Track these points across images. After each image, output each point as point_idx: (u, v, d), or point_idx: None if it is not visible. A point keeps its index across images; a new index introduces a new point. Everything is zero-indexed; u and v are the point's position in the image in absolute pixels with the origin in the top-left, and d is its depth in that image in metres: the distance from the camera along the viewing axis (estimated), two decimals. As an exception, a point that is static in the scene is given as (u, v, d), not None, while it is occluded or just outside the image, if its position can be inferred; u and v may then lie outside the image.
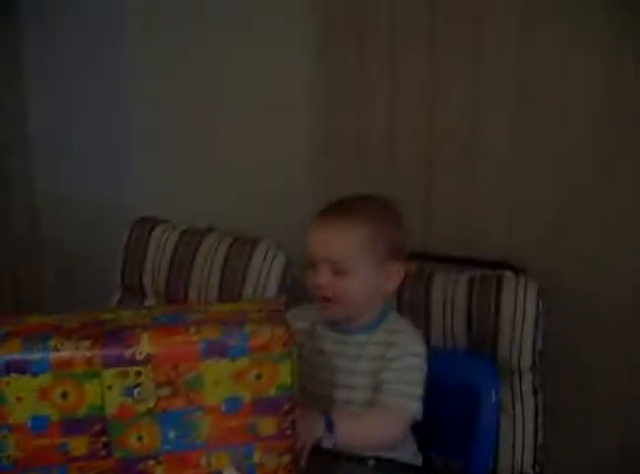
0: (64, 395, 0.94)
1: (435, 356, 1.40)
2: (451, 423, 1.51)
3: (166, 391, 0.96)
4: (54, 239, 2.37)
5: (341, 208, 1.35)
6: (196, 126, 2.21)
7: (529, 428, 1.61)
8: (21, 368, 0.92)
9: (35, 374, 0.92)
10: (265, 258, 1.73)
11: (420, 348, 1.34)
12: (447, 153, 1.91)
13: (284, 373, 0.99)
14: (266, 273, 1.70)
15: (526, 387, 1.63)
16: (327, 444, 1.17)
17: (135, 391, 0.95)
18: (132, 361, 0.94)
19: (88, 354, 0.93)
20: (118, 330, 0.97)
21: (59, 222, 2.34)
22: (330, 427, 1.18)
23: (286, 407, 1.00)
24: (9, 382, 0.92)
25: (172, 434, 0.98)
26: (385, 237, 1.33)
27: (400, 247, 1.37)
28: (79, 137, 2.35)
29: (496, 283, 1.63)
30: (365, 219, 1.31)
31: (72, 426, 0.95)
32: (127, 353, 0.94)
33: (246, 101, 2.12)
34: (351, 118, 1.99)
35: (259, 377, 0.98)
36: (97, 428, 0.95)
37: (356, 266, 1.29)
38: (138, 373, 0.94)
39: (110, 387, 0.94)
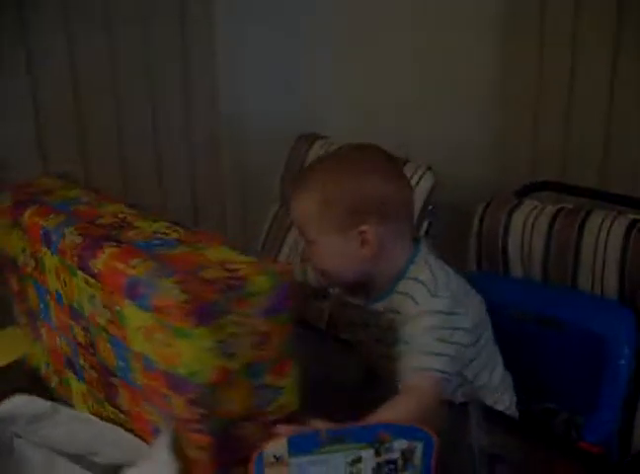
0: (64, 283, 1.02)
1: (562, 298, 1.37)
2: (575, 374, 1.40)
3: (107, 315, 0.94)
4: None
5: (300, 176, 1.26)
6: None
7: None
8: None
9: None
10: (412, 176, 1.63)
11: (431, 304, 1.18)
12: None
13: (188, 355, 0.84)
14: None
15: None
16: None
17: (94, 302, 0.96)
18: (90, 272, 0.95)
19: (74, 251, 0.97)
20: (109, 237, 0.98)
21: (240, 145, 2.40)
22: None
23: (192, 396, 0.86)
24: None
25: (121, 363, 0.96)
26: (343, 195, 1.17)
27: (368, 205, 1.18)
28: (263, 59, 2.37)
29: None
30: (317, 180, 1.19)
31: (75, 312, 1.02)
32: (91, 262, 0.95)
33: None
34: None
35: (168, 346, 0.85)
36: (84, 324, 1.00)
37: (315, 235, 1.19)
38: (95, 286, 0.94)
39: (80, 290, 0.98)
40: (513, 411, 1.35)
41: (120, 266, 0.91)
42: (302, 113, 2.33)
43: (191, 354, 0.84)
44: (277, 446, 0.86)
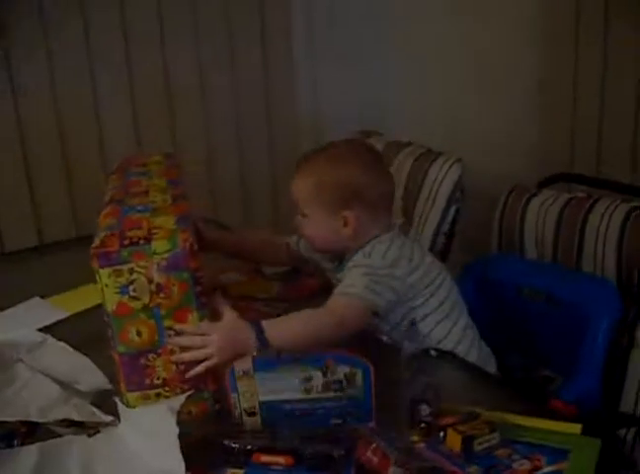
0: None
1: (559, 277, 1.55)
2: (566, 344, 1.57)
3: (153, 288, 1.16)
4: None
5: (304, 157, 1.51)
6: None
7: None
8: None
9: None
10: (441, 168, 1.88)
11: (362, 261, 1.44)
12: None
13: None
14: (439, 182, 1.86)
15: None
16: (261, 346, 1.23)
17: (130, 288, 1.15)
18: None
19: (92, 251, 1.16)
20: (119, 200, 1.34)
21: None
22: (261, 336, 1.24)
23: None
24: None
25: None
26: (334, 183, 1.44)
27: (354, 193, 1.44)
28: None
29: None
30: (315, 166, 1.46)
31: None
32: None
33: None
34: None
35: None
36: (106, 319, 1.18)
37: (308, 210, 1.47)
38: (131, 271, 1.14)
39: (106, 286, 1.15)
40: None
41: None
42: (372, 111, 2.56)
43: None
44: (244, 363, 1.19)
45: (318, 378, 1.19)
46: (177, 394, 1.22)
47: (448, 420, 1.15)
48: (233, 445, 1.15)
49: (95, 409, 1.26)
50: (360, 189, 1.44)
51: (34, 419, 1.21)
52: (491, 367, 1.55)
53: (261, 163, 2.66)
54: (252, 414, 1.22)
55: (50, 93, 2.29)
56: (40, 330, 1.50)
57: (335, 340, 1.29)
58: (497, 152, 2.24)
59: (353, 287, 1.37)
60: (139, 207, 1.30)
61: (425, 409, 1.17)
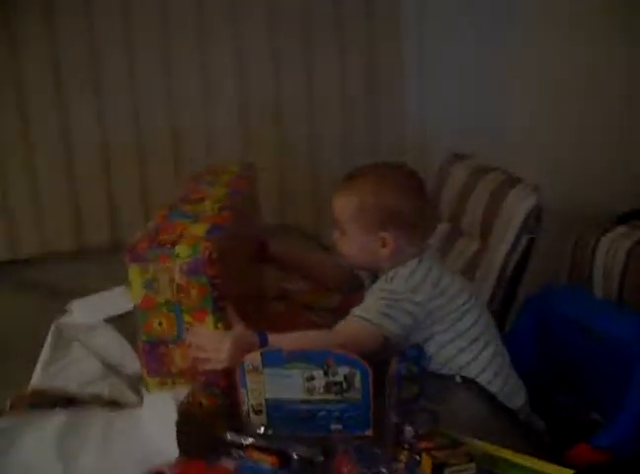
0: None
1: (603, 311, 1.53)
2: (610, 383, 1.54)
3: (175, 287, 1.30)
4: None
5: (348, 175, 1.53)
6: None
7: None
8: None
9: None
10: (517, 196, 1.86)
11: (383, 285, 1.47)
12: None
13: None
14: (512, 211, 1.85)
15: None
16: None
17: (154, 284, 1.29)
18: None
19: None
20: (172, 206, 1.52)
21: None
22: (264, 342, 1.33)
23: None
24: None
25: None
26: (377, 206, 1.47)
27: (396, 216, 1.47)
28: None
29: None
30: (359, 187, 1.49)
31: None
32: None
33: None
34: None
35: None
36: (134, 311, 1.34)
37: (348, 228, 1.50)
38: (156, 269, 1.28)
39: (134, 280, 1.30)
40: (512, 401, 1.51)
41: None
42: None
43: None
44: (253, 358, 1.27)
45: (320, 378, 1.25)
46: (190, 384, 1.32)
47: (427, 444, 1.15)
48: (230, 439, 1.23)
49: (126, 389, 1.38)
50: (401, 213, 1.48)
51: (71, 392, 1.35)
52: (518, 399, 1.52)
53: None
54: (259, 412, 1.29)
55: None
56: (115, 317, 1.67)
57: None
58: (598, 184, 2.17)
59: (365, 311, 1.42)
60: (187, 214, 1.44)
61: (409, 431, 1.19)
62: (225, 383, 1.33)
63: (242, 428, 1.28)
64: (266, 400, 1.28)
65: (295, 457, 1.19)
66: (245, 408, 1.29)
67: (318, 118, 2.57)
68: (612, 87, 2.29)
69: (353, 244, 1.52)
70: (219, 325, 1.32)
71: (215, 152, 2.46)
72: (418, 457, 1.14)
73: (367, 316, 1.41)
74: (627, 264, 1.63)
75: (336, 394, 1.26)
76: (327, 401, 1.26)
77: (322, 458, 1.18)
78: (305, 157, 2.60)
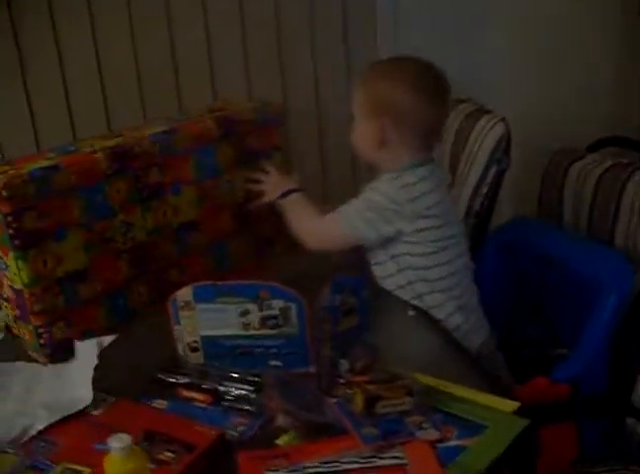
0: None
1: (568, 243, 1.48)
2: (574, 315, 1.48)
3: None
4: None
5: (369, 64, 1.51)
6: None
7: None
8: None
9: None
10: (485, 125, 1.77)
11: (383, 186, 1.42)
12: None
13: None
14: (481, 139, 1.76)
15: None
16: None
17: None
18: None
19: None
20: None
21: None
22: (285, 195, 1.51)
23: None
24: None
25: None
26: (378, 92, 1.43)
27: (393, 107, 1.41)
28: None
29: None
30: (366, 81, 1.47)
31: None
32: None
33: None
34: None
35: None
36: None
37: (355, 114, 1.47)
38: None
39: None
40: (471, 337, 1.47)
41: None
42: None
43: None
44: (184, 294, 1.21)
45: (255, 313, 1.19)
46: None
47: (361, 378, 1.10)
48: (160, 378, 1.18)
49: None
50: (399, 106, 1.42)
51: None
52: (477, 338, 1.46)
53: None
54: (195, 349, 1.24)
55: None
56: None
57: (306, 245, 1.47)
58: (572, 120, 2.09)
59: (348, 210, 1.44)
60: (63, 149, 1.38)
61: (344, 364, 1.14)
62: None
63: (175, 369, 1.22)
64: (201, 337, 1.22)
65: (229, 394, 1.14)
66: (180, 346, 1.24)
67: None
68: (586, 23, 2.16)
69: (357, 130, 1.47)
70: (20, 262, 1.25)
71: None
72: (350, 392, 1.08)
73: (348, 217, 1.43)
74: (596, 192, 1.55)
75: (272, 328, 1.20)
76: (264, 336, 1.21)
77: (255, 395, 1.12)
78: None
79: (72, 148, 1.36)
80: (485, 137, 1.74)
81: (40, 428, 1.09)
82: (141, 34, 2.18)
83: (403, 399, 1.06)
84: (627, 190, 1.49)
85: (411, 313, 1.37)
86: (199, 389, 1.16)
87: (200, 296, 1.20)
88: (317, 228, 1.48)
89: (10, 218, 1.22)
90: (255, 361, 1.22)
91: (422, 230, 1.40)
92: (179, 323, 1.22)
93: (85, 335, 1.30)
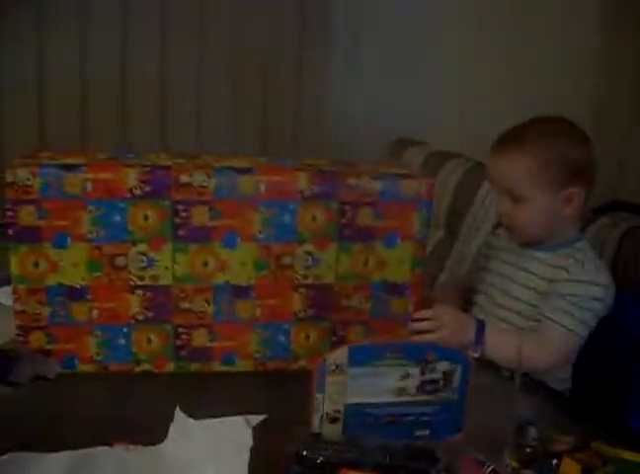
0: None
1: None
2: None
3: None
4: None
5: (511, 135, 1.38)
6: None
7: None
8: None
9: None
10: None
11: (593, 276, 1.34)
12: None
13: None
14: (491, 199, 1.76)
15: None
16: (474, 352, 1.24)
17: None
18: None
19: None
20: None
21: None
22: (480, 333, 1.29)
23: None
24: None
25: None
26: (558, 160, 1.33)
27: (580, 168, 1.35)
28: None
29: None
30: (533, 144, 1.34)
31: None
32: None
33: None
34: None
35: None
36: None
37: (529, 192, 1.34)
38: None
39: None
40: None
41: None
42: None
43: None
44: (338, 356, 1.04)
45: (415, 377, 1.06)
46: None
47: (562, 446, 1.02)
48: (315, 458, 1.00)
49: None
50: (583, 164, 1.35)
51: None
52: None
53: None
54: (334, 420, 1.07)
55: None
56: None
57: (541, 370, 1.29)
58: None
59: (582, 313, 1.32)
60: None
61: (533, 432, 1.05)
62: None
63: (315, 443, 1.04)
64: (345, 406, 1.06)
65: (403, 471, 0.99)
66: (318, 416, 1.06)
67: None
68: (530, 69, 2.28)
69: (533, 209, 1.35)
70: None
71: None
72: (555, 461, 1.00)
73: (574, 328, 1.32)
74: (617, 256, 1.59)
75: (429, 394, 1.08)
76: (419, 403, 1.08)
77: (442, 470, 0.99)
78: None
79: (130, 156, 1.22)
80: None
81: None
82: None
83: (606, 467, 1.00)
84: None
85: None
86: (364, 467, 1.00)
87: (356, 358, 1.05)
88: (551, 356, 1.32)
89: (9, 205, 1.13)
90: (399, 431, 1.08)
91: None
92: (322, 390, 1.05)
93: (65, 362, 1.20)
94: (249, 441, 0.97)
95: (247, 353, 1.26)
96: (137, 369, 1.24)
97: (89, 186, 1.13)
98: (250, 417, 1.03)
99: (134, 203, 1.15)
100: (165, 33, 2.29)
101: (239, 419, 1.02)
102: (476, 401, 1.08)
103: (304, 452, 1.00)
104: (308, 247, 1.22)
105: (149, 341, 1.23)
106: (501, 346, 1.27)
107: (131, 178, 1.14)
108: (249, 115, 2.43)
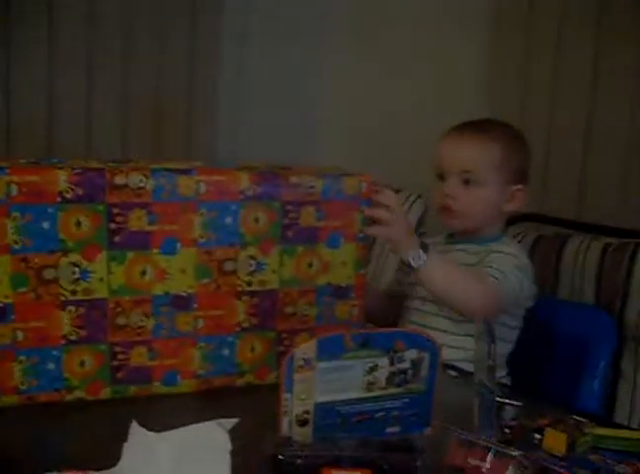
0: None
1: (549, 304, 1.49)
2: (559, 370, 1.51)
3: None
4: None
5: (476, 125, 1.44)
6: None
7: (652, 401, 1.49)
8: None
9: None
10: (404, 203, 1.82)
11: (516, 252, 1.40)
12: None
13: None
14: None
15: (652, 359, 1.51)
16: (416, 263, 1.24)
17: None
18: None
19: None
20: None
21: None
22: (425, 249, 1.25)
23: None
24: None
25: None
26: (515, 158, 1.41)
27: (525, 172, 1.43)
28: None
29: (632, 249, 1.57)
30: (500, 137, 1.41)
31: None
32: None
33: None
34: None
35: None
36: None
37: (485, 178, 1.39)
38: None
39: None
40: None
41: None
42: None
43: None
44: (306, 350, 0.99)
45: (384, 368, 1.02)
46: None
47: (543, 421, 1.01)
48: (293, 461, 0.93)
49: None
50: (528, 169, 1.44)
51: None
52: None
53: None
54: (304, 423, 1.01)
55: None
56: None
57: (470, 310, 1.29)
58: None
59: (498, 273, 1.34)
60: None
61: (510, 411, 1.03)
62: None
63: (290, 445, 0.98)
64: (315, 405, 1.00)
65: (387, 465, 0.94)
66: (287, 420, 1.00)
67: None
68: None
69: (482, 196, 1.39)
70: None
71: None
72: (538, 436, 0.98)
73: (507, 278, 1.33)
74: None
75: (398, 386, 1.04)
76: (388, 396, 1.04)
77: (428, 460, 0.94)
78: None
79: (55, 160, 1.11)
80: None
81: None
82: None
83: (585, 438, 1.00)
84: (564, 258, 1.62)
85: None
86: (346, 465, 0.94)
87: (325, 351, 1.00)
88: (485, 291, 1.31)
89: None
90: (370, 430, 1.03)
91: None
92: (290, 390, 0.99)
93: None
94: (227, 445, 0.88)
95: (190, 370, 1.16)
96: (69, 397, 1.11)
97: (13, 189, 1.02)
98: (222, 420, 0.94)
99: (65, 208, 1.06)
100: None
101: (211, 424, 0.93)
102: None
103: (280, 456, 0.93)
104: (251, 251, 1.16)
105: (82, 363, 1.11)
106: (442, 267, 1.28)
107: (62, 180, 1.05)
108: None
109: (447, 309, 1.37)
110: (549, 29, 2.04)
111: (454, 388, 1.25)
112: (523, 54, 2.10)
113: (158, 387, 1.15)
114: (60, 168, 1.06)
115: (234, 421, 0.93)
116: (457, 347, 1.36)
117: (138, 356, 1.13)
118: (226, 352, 1.18)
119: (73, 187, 1.06)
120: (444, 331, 1.40)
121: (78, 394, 1.12)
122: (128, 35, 2.37)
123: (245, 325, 1.18)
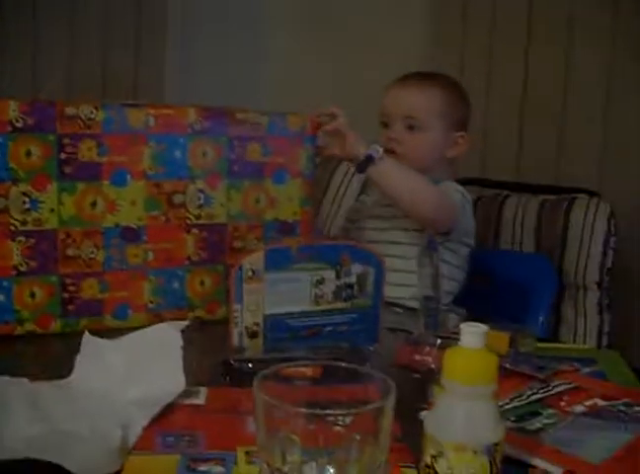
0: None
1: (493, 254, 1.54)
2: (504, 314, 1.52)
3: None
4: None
5: (421, 74, 1.51)
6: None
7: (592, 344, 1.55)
8: None
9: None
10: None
11: (465, 193, 1.44)
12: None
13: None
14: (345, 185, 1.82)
15: (591, 304, 1.61)
16: (376, 154, 1.29)
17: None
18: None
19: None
20: None
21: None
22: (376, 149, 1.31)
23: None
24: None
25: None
26: (457, 106, 1.47)
27: (466, 121, 1.49)
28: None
29: (567, 203, 1.64)
30: (444, 85, 1.48)
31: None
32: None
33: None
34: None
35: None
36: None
37: (429, 124, 1.43)
38: None
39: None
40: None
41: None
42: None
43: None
44: (254, 260, 1.02)
45: (331, 281, 1.06)
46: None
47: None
48: (244, 365, 0.96)
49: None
50: (468, 119, 1.49)
51: None
52: None
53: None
54: (254, 334, 1.03)
55: None
56: None
57: (422, 212, 1.34)
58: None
59: (449, 193, 1.40)
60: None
61: (453, 318, 1.08)
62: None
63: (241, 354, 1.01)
64: (265, 317, 1.03)
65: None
66: (236, 331, 1.02)
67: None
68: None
69: (426, 140, 1.43)
70: None
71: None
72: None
73: (455, 198, 1.40)
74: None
75: (345, 301, 1.07)
76: (336, 311, 1.07)
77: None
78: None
79: None
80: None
81: (144, 424, 0.80)
82: None
83: (526, 340, 1.05)
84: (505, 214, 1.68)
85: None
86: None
87: (273, 262, 1.03)
88: (437, 192, 1.36)
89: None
90: (319, 345, 1.06)
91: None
92: (240, 301, 1.02)
93: None
94: (179, 341, 0.90)
95: (140, 303, 1.18)
96: (19, 330, 1.12)
97: (-37, 117, 1.04)
98: (171, 322, 0.96)
99: (15, 138, 1.07)
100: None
101: (161, 325, 0.95)
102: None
103: (232, 361, 0.95)
104: (200, 184, 1.19)
105: (33, 295, 1.12)
106: (397, 165, 1.34)
107: (12, 109, 1.06)
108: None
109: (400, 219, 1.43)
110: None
111: (397, 317, 1.27)
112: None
113: (109, 320, 1.16)
114: (12, 98, 1.07)
115: (184, 323, 0.95)
116: (403, 284, 1.39)
117: (89, 289, 1.14)
118: (176, 285, 1.19)
119: (24, 116, 1.07)
120: (396, 243, 1.45)
121: (28, 327, 1.12)
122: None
123: (194, 258, 1.20)
